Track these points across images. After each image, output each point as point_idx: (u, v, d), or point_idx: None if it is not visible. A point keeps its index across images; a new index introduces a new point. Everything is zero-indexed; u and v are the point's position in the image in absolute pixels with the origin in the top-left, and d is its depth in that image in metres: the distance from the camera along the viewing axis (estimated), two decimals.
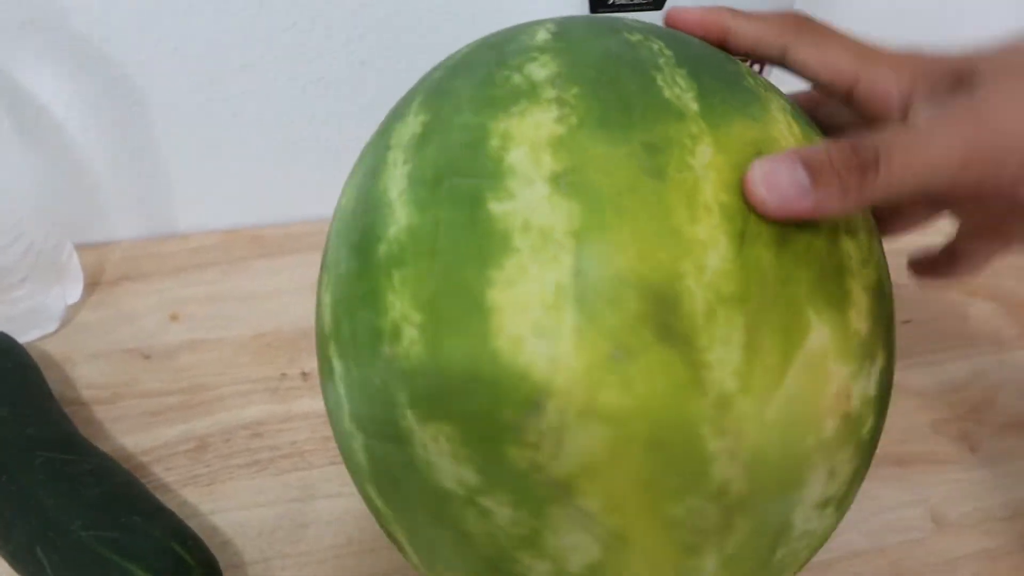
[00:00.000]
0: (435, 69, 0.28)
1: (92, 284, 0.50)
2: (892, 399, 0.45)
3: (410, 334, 0.22)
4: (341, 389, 0.25)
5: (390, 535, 0.27)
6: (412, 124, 0.25)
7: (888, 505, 0.40)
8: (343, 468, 0.40)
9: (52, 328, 0.47)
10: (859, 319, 0.23)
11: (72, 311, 0.48)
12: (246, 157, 0.52)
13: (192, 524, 0.36)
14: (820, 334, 0.22)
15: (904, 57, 0.27)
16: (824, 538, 0.25)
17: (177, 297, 0.49)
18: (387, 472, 0.24)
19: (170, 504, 0.37)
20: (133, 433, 0.42)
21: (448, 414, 0.22)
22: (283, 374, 0.45)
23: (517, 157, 0.22)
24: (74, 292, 0.48)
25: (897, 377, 0.47)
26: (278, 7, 0.46)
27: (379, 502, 0.25)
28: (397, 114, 0.27)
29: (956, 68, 0.25)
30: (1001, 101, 0.24)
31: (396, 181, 0.24)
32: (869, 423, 0.24)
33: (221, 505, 0.39)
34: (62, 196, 0.51)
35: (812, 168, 0.22)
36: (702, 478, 0.21)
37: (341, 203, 0.27)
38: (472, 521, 0.22)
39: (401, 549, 0.26)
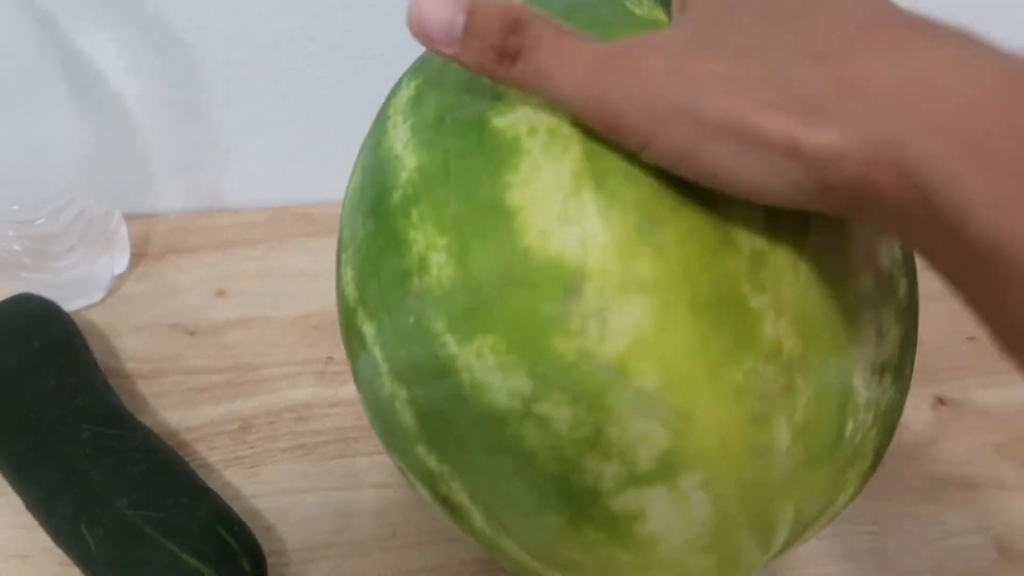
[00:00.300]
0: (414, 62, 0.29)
1: (138, 255, 0.49)
2: (956, 419, 0.44)
3: (437, 260, 0.22)
4: (376, 350, 0.25)
5: (447, 501, 0.25)
6: (406, 92, 0.26)
7: (951, 531, 0.39)
8: (388, 459, 0.39)
9: (98, 298, 0.46)
10: None
11: (118, 282, 0.47)
12: (299, 133, 0.51)
13: (234, 507, 0.35)
14: None
15: None
16: (889, 414, 0.25)
17: (224, 272, 0.48)
18: (436, 418, 0.23)
19: (213, 485, 0.36)
20: (176, 409, 0.41)
21: (489, 325, 0.21)
22: (329, 357, 0.44)
23: None
24: (121, 262, 0.48)
25: (961, 396, 0.46)
26: None
27: (431, 461, 0.24)
28: (389, 96, 0.28)
29: None
30: (672, 42, 0.20)
31: (400, 136, 0.25)
32: (903, 286, 0.24)
33: (264, 489, 0.38)
34: (113, 164, 0.50)
35: (472, 20, 0.21)
36: (754, 337, 0.21)
37: (349, 188, 0.28)
38: (532, 436, 0.22)
39: (460, 513, 0.25)
